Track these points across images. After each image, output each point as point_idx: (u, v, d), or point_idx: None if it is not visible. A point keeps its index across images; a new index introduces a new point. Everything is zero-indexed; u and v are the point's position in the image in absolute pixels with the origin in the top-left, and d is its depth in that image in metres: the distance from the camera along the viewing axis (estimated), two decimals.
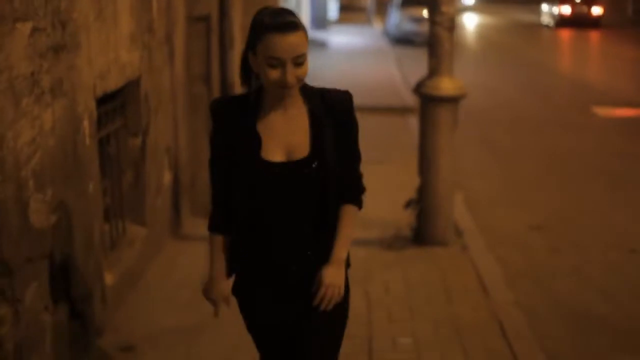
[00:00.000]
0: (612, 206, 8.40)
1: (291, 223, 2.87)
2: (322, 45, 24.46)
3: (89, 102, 4.44)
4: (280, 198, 2.84)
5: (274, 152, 2.83)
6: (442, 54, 6.29)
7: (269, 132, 2.83)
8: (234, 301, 3.08)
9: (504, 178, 9.62)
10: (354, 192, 2.98)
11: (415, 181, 6.86)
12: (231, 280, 3.03)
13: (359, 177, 3.00)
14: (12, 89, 3.45)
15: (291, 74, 2.69)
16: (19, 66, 3.51)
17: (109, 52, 4.79)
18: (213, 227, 3.02)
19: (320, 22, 31.51)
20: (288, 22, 2.68)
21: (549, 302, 5.84)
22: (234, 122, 2.84)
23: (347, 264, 2.99)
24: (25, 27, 3.56)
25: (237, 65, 9.35)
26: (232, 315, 3.25)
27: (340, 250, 2.91)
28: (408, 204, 6.75)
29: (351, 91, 2.93)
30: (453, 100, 6.37)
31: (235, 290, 3.04)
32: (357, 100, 2.96)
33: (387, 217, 7.19)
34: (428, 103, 6.41)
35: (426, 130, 6.46)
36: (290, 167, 2.83)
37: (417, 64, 13.78)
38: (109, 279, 4.90)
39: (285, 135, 2.84)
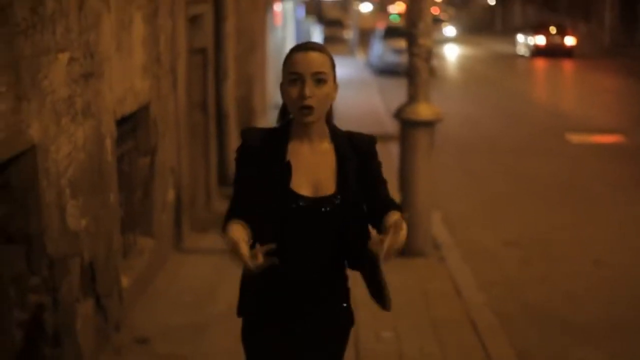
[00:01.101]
0: (579, 223, 9.06)
1: (310, 257, 2.89)
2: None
3: (111, 123, 5.07)
4: (302, 232, 2.87)
5: (301, 185, 2.86)
6: (420, 82, 6.96)
7: (297, 165, 2.86)
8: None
9: (480, 199, 10.27)
10: (395, 204, 3.00)
11: (395, 199, 7.49)
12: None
13: (392, 198, 3.04)
14: (55, 110, 4.08)
15: (310, 89, 2.75)
16: (59, 90, 4.14)
17: (126, 81, 5.43)
18: (230, 217, 2.88)
19: None
20: (311, 43, 2.85)
21: (519, 306, 6.47)
22: (263, 152, 2.87)
23: (351, 318, 3.09)
24: (64, 57, 4.20)
25: (231, 94, 10.09)
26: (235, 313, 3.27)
27: (394, 216, 2.86)
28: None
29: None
30: (430, 124, 7.05)
31: (244, 333, 3.03)
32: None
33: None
34: (407, 127, 7.08)
35: (405, 152, 7.12)
36: (316, 202, 2.86)
37: (399, 93, 14.43)
38: (124, 281, 5.50)
39: (313, 170, 2.88)
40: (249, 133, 2.94)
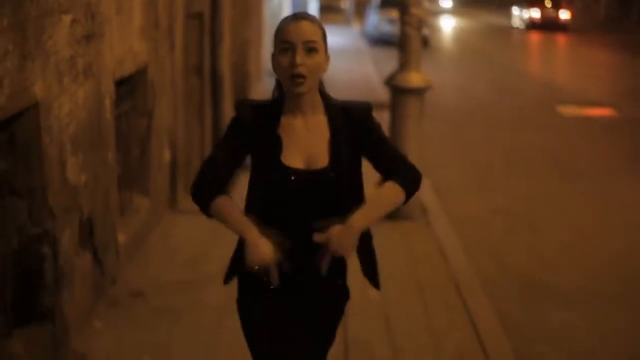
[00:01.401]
0: (566, 195, 9.26)
1: (306, 229, 2.83)
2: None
3: (110, 84, 5.23)
4: (296, 203, 2.85)
5: (293, 158, 2.85)
6: (411, 50, 7.13)
7: (289, 139, 2.86)
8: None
9: (470, 168, 10.46)
10: (406, 176, 2.97)
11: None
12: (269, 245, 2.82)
13: (412, 166, 3.01)
14: (58, 69, 4.24)
15: (301, 57, 2.74)
16: (62, 51, 4.30)
17: (125, 42, 5.58)
18: (210, 195, 2.86)
19: None
20: (302, 13, 2.87)
21: (502, 271, 6.68)
22: (256, 124, 2.86)
23: (346, 294, 3.10)
24: (67, 18, 4.36)
25: (226, 58, 10.20)
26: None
27: (358, 216, 2.82)
28: (379, 184, 7.57)
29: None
30: (420, 92, 7.22)
31: (240, 303, 3.03)
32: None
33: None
34: (398, 94, 7.26)
35: (396, 119, 7.29)
36: (309, 175, 2.85)
37: (393, 63, 14.56)
38: (120, 238, 5.68)
39: (306, 143, 2.87)
40: (242, 106, 2.91)
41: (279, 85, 2.90)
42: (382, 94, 15.26)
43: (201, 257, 6.32)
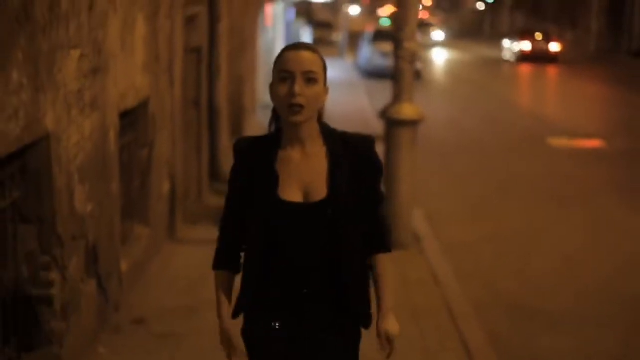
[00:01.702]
0: (556, 222, 9.46)
1: (305, 263, 2.85)
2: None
3: (115, 117, 5.44)
4: (295, 237, 2.84)
5: (290, 192, 2.83)
6: (404, 83, 7.36)
7: (287, 171, 2.83)
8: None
9: (462, 198, 10.67)
10: (384, 238, 3.00)
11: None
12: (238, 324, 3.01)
13: (384, 219, 3.03)
14: (67, 102, 4.45)
15: (300, 87, 2.73)
16: (71, 84, 4.51)
17: (128, 77, 5.80)
18: (218, 264, 3.00)
19: None
20: (303, 43, 2.87)
21: (493, 296, 6.87)
22: (254, 160, 2.85)
23: (368, 318, 3.02)
24: (76, 53, 4.57)
25: (223, 92, 10.46)
26: None
27: (390, 300, 2.99)
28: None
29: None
30: (413, 124, 7.44)
31: (244, 331, 3.01)
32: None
33: None
34: (391, 126, 7.47)
35: (389, 149, 7.50)
36: (307, 208, 2.84)
37: (386, 95, 14.77)
38: (123, 266, 5.86)
39: (304, 175, 2.84)
40: (240, 144, 2.91)
41: (275, 116, 2.89)
42: (376, 126, 15.52)
43: (200, 284, 6.48)
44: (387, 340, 2.96)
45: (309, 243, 2.85)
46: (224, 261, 2.97)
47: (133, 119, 6.26)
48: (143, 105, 6.36)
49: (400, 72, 7.37)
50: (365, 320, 3.00)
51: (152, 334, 5.51)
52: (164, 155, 7.10)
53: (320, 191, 2.84)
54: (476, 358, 5.39)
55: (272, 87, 2.82)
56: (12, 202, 4.10)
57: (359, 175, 2.88)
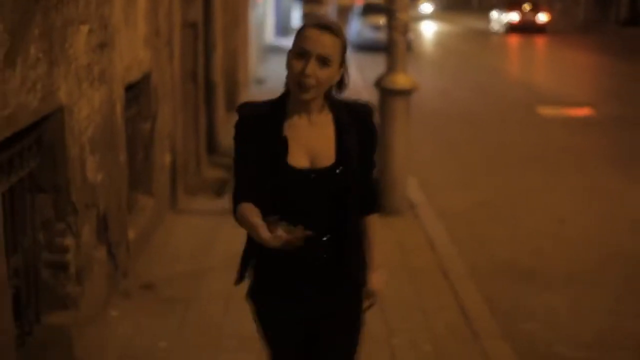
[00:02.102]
0: (546, 188, 9.70)
1: (316, 228, 2.81)
2: (285, 51, 25.63)
3: (120, 90, 5.62)
4: (303, 203, 2.89)
5: (299, 158, 2.88)
6: (398, 54, 7.56)
7: (294, 138, 2.88)
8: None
9: (454, 166, 10.90)
10: (374, 201, 3.13)
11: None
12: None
13: (375, 184, 3.15)
14: (77, 76, 4.64)
15: (312, 68, 2.77)
16: (80, 58, 4.69)
17: (132, 51, 5.98)
18: (242, 199, 2.86)
19: (284, 29, 32.79)
20: (328, 24, 2.84)
21: (487, 258, 7.10)
22: (260, 126, 2.88)
23: (363, 280, 3.13)
24: (85, 28, 4.75)
25: (219, 66, 10.63)
26: (231, 260, 3.41)
27: (378, 257, 3.17)
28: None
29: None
30: (407, 93, 7.65)
31: (251, 293, 3.09)
32: None
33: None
34: (386, 95, 7.68)
35: (384, 119, 7.71)
36: (315, 174, 2.89)
37: (376, 68, 14.96)
38: (130, 234, 6.06)
39: (311, 142, 2.90)
40: (244, 108, 2.93)
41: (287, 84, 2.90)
42: (367, 98, 15.72)
43: (204, 251, 6.71)
44: (372, 294, 3.15)
45: (317, 208, 2.90)
46: (247, 196, 2.84)
47: (136, 93, 6.45)
48: (146, 79, 6.54)
49: (393, 43, 7.56)
50: (363, 282, 3.15)
51: (161, 298, 5.73)
52: (165, 128, 7.29)
53: (328, 157, 2.89)
54: (471, 316, 5.62)
55: (289, 57, 2.84)
56: (29, 172, 4.29)
57: (361, 142, 2.95)
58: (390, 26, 7.54)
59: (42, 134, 4.36)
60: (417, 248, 7.01)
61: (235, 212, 2.86)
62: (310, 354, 3.10)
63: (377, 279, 3.15)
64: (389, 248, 6.92)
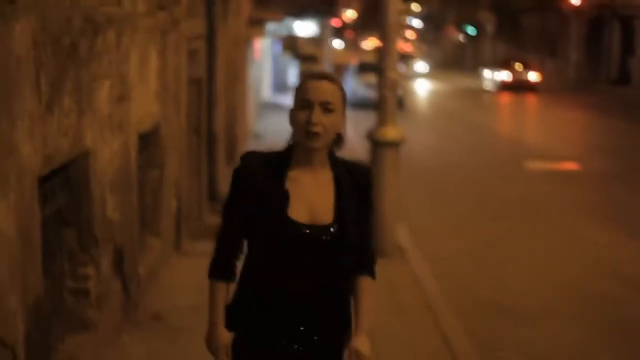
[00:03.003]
0: (529, 236, 10.30)
1: (306, 284, 2.94)
2: (281, 107, 26.45)
3: (135, 138, 6.25)
4: (298, 258, 2.93)
5: (299, 212, 2.92)
6: (387, 109, 8.23)
7: (296, 192, 2.92)
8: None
9: (442, 216, 11.50)
10: (371, 265, 3.13)
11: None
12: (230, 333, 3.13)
13: (373, 249, 3.16)
14: (100, 124, 5.26)
15: (317, 116, 2.85)
16: (103, 109, 5.32)
17: (144, 104, 6.61)
18: (214, 273, 3.11)
19: (281, 86, 33.66)
20: (325, 73, 2.97)
21: (469, 297, 7.67)
22: (262, 177, 2.93)
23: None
24: (107, 83, 5.38)
25: (221, 120, 11.29)
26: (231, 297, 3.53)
27: (367, 322, 3.00)
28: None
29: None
30: (396, 144, 8.29)
31: (234, 349, 3.12)
32: None
33: None
34: (376, 146, 8.32)
35: (375, 168, 8.33)
36: (313, 230, 2.93)
37: (370, 123, 15.61)
38: (141, 270, 6.63)
39: (311, 198, 2.94)
40: (249, 157, 2.98)
41: (291, 139, 2.98)
42: (361, 152, 16.38)
43: (206, 288, 7.23)
44: (356, 357, 2.94)
45: (310, 264, 2.94)
46: (221, 270, 3.07)
47: (147, 142, 7.06)
48: (155, 130, 7.17)
49: (383, 99, 8.23)
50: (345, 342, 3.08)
51: (168, 327, 6.28)
52: (172, 175, 7.90)
53: (327, 215, 2.95)
54: (454, 348, 6.17)
55: (292, 113, 2.93)
56: (57, 207, 4.89)
57: (359, 204, 3.02)
58: (380, 84, 8.21)
59: (71, 175, 4.96)
60: (405, 286, 7.58)
61: (210, 274, 3.11)
62: None
63: (365, 342, 2.95)
64: (380, 288, 7.47)
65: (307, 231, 2.92)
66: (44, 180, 4.40)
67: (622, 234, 10.37)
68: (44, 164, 4.20)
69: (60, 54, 4.42)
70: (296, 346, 3.01)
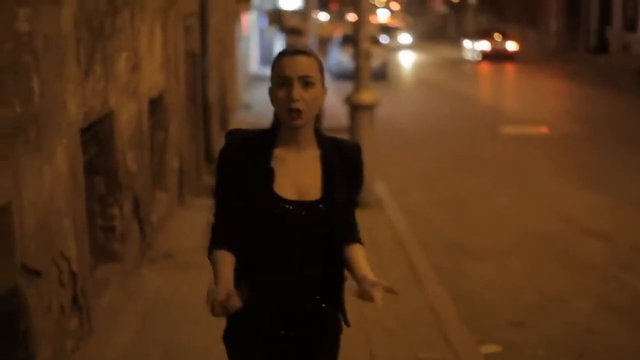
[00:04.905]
0: (498, 191, 11.43)
1: (297, 262, 2.89)
2: (269, 80, 27.39)
3: (146, 103, 7.32)
4: (285, 234, 2.87)
5: (285, 189, 2.86)
6: (362, 76, 9.32)
7: (282, 170, 2.87)
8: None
9: (419, 174, 12.66)
10: (357, 234, 3.04)
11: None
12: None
13: (356, 221, 3.06)
14: (120, 90, 6.34)
15: (298, 91, 2.77)
16: (122, 77, 6.39)
17: (152, 74, 7.68)
18: (214, 245, 2.94)
19: (268, 59, 34.64)
20: (299, 48, 2.88)
21: (437, 238, 8.82)
22: (248, 154, 2.88)
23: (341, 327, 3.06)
24: (124, 55, 6.46)
25: (214, 90, 12.43)
26: None
27: (368, 270, 2.88)
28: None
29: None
30: (370, 107, 9.40)
31: (227, 335, 3.04)
32: None
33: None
34: (354, 109, 9.43)
35: (353, 128, 9.45)
36: (301, 206, 2.86)
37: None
38: (153, 217, 7.73)
39: (298, 175, 2.88)
40: (233, 135, 2.95)
41: (275, 117, 2.91)
42: (345, 120, 17.48)
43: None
44: (375, 287, 2.78)
45: (297, 241, 2.89)
46: (222, 242, 2.92)
47: (155, 107, 8.14)
48: (161, 97, 8.24)
49: (359, 67, 9.33)
50: (344, 317, 3.08)
51: (178, 263, 7.38)
52: (174, 137, 8.98)
53: (314, 192, 2.89)
54: (420, 276, 7.30)
55: (271, 92, 2.87)
56: (89, 157, 5.98)
57: (348, 180, 2.96)
58: (356, 54, 9.31)
59: (99, 130, 6.04)
60: (382, 230, 8.71)
61: (210, 253, 2.94)
62: None
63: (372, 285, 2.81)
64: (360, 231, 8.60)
65: (294, 207, 2.87)
66: (81, 133, 5.48)
67: (578, 187, 11.53)
68: (84, 118, 5.28)
69: (92, 31, 5.49)
70: (293, 334, 2.98)
